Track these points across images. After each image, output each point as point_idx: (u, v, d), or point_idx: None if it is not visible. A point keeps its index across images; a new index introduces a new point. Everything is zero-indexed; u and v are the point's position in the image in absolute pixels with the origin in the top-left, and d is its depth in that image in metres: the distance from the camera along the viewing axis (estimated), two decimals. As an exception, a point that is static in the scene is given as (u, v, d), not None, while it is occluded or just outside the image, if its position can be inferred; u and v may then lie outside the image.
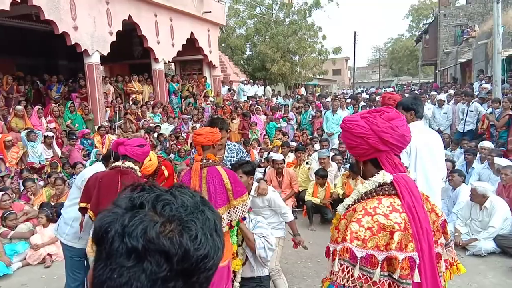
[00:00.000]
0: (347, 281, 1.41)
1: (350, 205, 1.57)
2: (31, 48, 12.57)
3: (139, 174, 2.99)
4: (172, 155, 8.69)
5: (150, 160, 3.29)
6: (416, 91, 21.55)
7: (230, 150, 3.78)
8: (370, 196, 1.50)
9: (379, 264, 1.37)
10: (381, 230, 1.40)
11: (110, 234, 0.60)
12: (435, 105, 11.20)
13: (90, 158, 8.06)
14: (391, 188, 1.49)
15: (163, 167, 3.55)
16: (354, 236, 1.41)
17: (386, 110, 1.58)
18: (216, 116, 4.35)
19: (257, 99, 15.10)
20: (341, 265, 1.43)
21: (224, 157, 3.70)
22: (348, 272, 1.41)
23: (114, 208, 0.62)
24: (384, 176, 1.50)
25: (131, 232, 0.59)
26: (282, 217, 3.78)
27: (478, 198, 5.00)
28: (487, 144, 6.99)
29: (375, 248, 1.39)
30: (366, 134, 1.51)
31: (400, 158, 1.60)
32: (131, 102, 11.47)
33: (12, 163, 7.47)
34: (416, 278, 1.40)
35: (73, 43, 9.63)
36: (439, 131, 10.07)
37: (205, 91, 14.68)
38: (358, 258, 1.39)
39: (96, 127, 9.64)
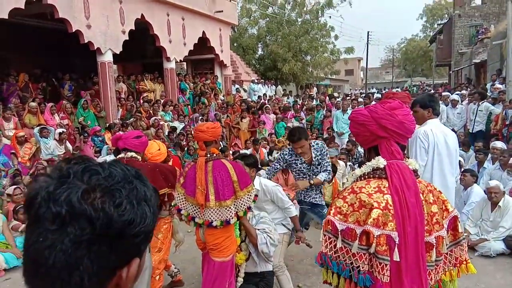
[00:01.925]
0: (330, 250, 1.54)
1: None
2: (46, 46, 12.79)
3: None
4: (180, 153, 8.77)
5: (159, 149, 3.37)
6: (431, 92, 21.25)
7: (315, 150, 3.97)
8: (363, 178, 1.62)
9: (357, 237, 1.48)
10: (362, 207, 1.51)
11: (37, 200, 0.62)
12: (447, 105, 11.06)
13: (101, 155, 8.17)
14: (382, 173, 1.58)
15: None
16: (338, 211, 1.55)
17: (389, 101, 1.67)
18: (296, 126, 4.70)
19: (268, 98, 15.11)
20: (324, 235, 1.57)
21: (313, 158, 3.95)
22: (331, 243, 1.54)
23: (44, 177, 0.66)
24: (378, 161, 1.60)
25: (56, 199, 0.61)
26: (285, 212, 3.76)
27: (499, 196, 4.91)
28: (499, 144, 6.87)
29: (355, 223, 1.50)
30: (367, 121, 1.62)
31: (405, 148, 1.68)
32: (142, 101, 11.59)
33: (24, 159, 7.63)
34: (396, 257, 1.46)
35: (86, 41, 9.78)
36: (453, 131, 9.95)
37: (214, 90, 14.74)
38: (339, 230, 1.51)
39: (107, 125, 9.77)
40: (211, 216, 2.96)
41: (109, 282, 0.65)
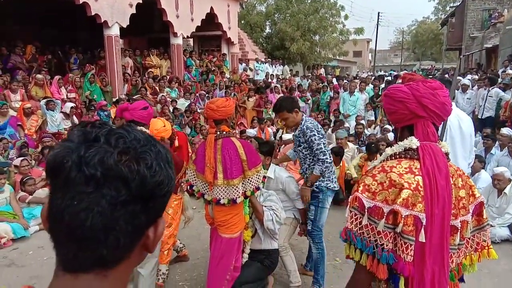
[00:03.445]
0: (355, 227, 1.54)
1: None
2: (53, 19, 12.64)
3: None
4: (188, 130, 8.75)
5: (164, 126, 3.32)
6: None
7: (300, 130, 3.51)
8: (394, 158, 1.60)
9: (384, 216, 1.48)
10: (392, 186, 1.49)
11: (67, 165, 0.61)
12: (458, 90, 10.90)
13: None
14: (415, 153, 1.56)
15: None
16: (366, 188, 1.53)
17: (430, 81, 1.63)
18: (282, 97, 3.99)
19: (276, 78, 14.96)
20: (350, 212, 1.56)
21: (294, 136, 3.61)
22: (356, 219, 1.54)
23: (66, 142, 0.64)
24: (411, 142, 1.57)
25: (88, 161, 0.61)
26: (294, 204, 3.72)
27: (505, 184, 4.90)
28: (505, 131, 6.85)
29: (383, 202, 1.49)
30: (407, 98, 1.57)
31: (437, 129, 1.64)
32: (147, 76, 11.51)
33: (31, 131, 7.64)
34: (421, 238, 1.47)
35: (93, 13, 9.65)
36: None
37: (221, 67, 14.60)
38: (366, 208, 1.51)
39: (114, 99, 9.73)
40: (219, 194, 2.95)
41: (139, 241, 0.67)
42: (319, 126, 3.57)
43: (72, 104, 8.42)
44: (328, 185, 3.52)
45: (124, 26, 10.53)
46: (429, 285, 1.51)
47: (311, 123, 3.49)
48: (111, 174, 0.61)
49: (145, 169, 0.64)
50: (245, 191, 2.98)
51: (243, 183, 2.96)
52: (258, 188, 3.02)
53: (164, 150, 0.70)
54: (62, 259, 0.64)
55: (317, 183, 3.51)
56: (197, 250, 4.55)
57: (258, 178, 2.99)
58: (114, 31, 10.34)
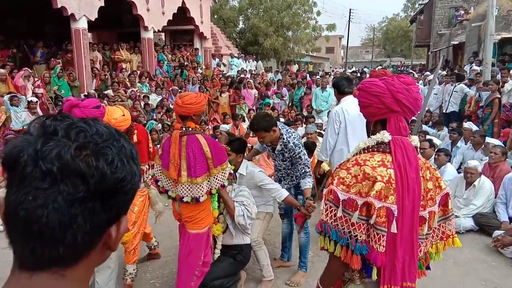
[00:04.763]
0: (330, 219, 1.59)
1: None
2: (18, 11, 12.13)
3: None
4: (160, 126, 8.61)
5: (123, 115, 3.15)
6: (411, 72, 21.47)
7: (284, 145, 3.44)
8: (367, 151, 1.64)
9: (358, 208, 1.53)
10: (366, 179, 1.55)
11: (23, 159, 0.59)
12: (425, 86, 11.20)
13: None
14: (386, 147, 1.61)
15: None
16: (341, 181, 1.58)
17: (403, 76, 1.68)
18: (258, 115, 3.75)
19: (250, 73, 14.93)
20: (326, 204, 1.61)
21: (277, 148, 3.48)
22: (331, 212, 1.59)
23: (25, 135, 0.62)
24: (383, 136, 1.62)
25: (45, 156, 0.58)
26: (277, 199, 3.49)
27: (476, 177, 5.05)
28: (467, 124, 7.20)
29: (357, 194, 1.54)
30: (382, 93, 1.61)
31: (408, 123, 1.70)
32: (118, 71, 11.25)
33: (-6, 127, 7.33)
34: (393, 229, 1.53)
35: (59, 6, 9.34)
36: (428, 111, 10.15)
37: (194, 62, 14.44)
38: (341, 200, 1.56)
39: (82, 95, 9.46)
40: (183, 191, 2.90)
41: (100, 239, 0.65)
42: (299, 135, 3.60)
43: (31, 99, 8.00)
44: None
45: (92, 19, 10.24)
46: (400, 273, 1.58)
47: (294, 138, 3.44)
48: (68, 169, 0.59)
49: (105, 165, 0.62)
50: (210, 189, 2.92)
51: (208, 181, 2.90)
52: (223, 186, 2.96)
53: (129, 146, 0.68)
54: (18, 256, 0.62)
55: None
56: (168, 247, 4.49)
57: (224, 176, 2.94)
58: (82, 24, 10.04)
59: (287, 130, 3.50)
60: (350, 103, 3.73)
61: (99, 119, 0.71)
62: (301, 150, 3.46)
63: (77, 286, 0.64)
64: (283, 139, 3.43)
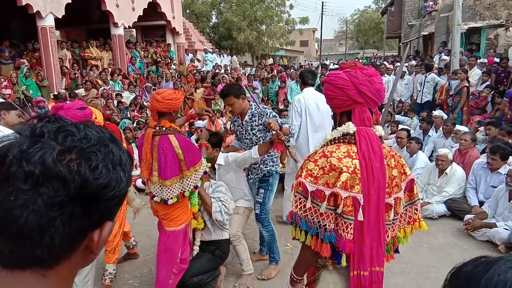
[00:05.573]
0: (300, 210, 1.63)
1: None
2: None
3: None
4: (134, 124, 8.46)
5: (96, 118, 3.12)
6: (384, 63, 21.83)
7: (252, 115, 3.48)
8: (333, 143, 1.68)
9: (326, 198, 1.57)
10: (332, 170, 1.59)
11: (8, 158, 0.60)
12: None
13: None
14: (352, 138, 1.65)
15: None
16: (309, 173, 1.62)
17: (366, 68, 1.72)
18: (232, 83, 4.06)
19: (224, 68, 14.85)
20: (295, 196, 1.65)
21: (245, 119, 3.50)
22: (300, 203, 1.63)
23: (15, 135, 0.63)
24: (348, 127, 1.66)
25: (29, 158, 0.59)
26: (252, 160, 3.38)
27: (447, 164, 5.18)
28: (437, 112, 7.40)
29: (325, 185, 1.58)
30: (346, 85, 1.65)
31: (372, 113, 1.73)
32: (88, 69, 10.98)
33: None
34: (360, 217, 1.58)
35: (24, 3, 9.01)
36: (400, 102, 10.36)
37: (167, 58, 14.24)
38: (309, 191, 1.60)
39: (51, 95, 9.19)
40: (154, 191, 2.86)
41: (80, 244, 0.65)
42: (271, 111, 3.57)
43: (2, 100, 7.75)
44: (277, 169, 3.70)
45: (60, 16, 9.94)
46: (368, 259, 1.64)
47: (263, 107, 3.53)
48: (49, 173, 0.59)
49: (88, 171, 0.61)
50: (183, 192, 2.86)
51: (181, 183, 2.84)
52: (196, 187, 2.93)
53: (119, 152, 0.67)
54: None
55: (267, 168, 3.62)
56: (147, 246, 4.44)
57: (196, 177, 2.90)
58: (49, 22, 9.72)
59: (257, 105, 3.54)
60: (311, 94, 4.46)
61: (92, 122, 0.70)
62: (271, 111, 3.46)
63: (61, 286, 0.65)
64: (251, 109, 3.52)
